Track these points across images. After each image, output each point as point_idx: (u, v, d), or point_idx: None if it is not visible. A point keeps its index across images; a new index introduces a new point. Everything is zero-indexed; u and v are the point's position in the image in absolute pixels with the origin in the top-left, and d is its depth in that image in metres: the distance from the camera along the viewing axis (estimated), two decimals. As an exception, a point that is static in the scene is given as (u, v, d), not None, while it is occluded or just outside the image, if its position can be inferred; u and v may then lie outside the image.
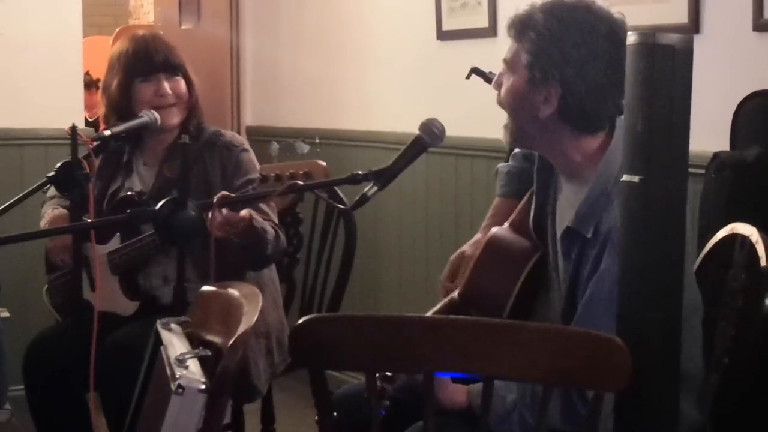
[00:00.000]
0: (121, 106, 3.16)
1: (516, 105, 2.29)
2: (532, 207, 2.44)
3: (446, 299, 2.49)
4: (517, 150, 2.63)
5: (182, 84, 3.19)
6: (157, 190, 3.10)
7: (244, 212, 2.81)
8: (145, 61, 3.16)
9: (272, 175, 2.50)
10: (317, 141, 4.33)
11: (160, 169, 3.19)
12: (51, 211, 3.19)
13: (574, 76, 2.21)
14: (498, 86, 2.35)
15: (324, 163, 2.59)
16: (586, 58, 2.21)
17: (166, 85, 3.15)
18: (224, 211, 2.66)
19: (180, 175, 2.55)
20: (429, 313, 2.44)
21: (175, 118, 3.18)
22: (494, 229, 2.50)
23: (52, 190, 3.23)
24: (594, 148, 2.28)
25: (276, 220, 3.10)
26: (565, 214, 2.34)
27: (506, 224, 2.50)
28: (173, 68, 3.18)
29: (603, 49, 2.21)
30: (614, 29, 2.23)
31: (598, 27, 2.22)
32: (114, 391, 2.79)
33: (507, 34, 2.32)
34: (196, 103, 3.23)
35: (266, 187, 2.54)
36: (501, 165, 2.68)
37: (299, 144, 4.15)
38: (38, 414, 3.13)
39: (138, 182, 3.22)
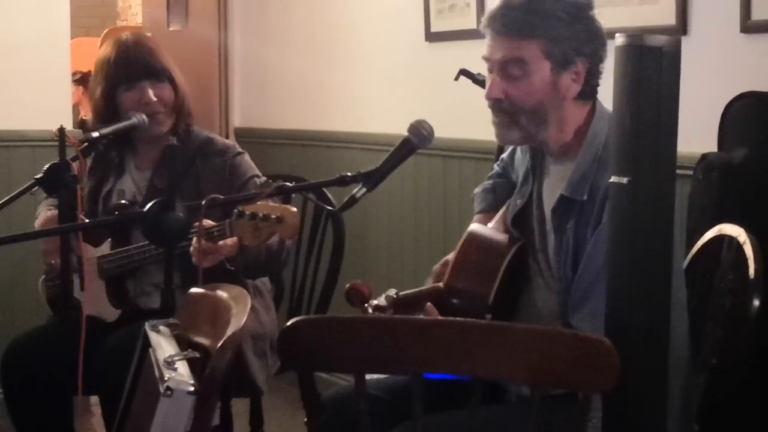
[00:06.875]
0: (106, 114, 3.10)
1: (543, 97, 2.33)
2: (513, 202, 2.48)
3: (432, 285, 2.51)
4: (495, 167, 2.69)
5: (167, 90, 3.11)
6: (149, 199, 3.07)
7: (229, 241, 2.75)
8: (126, 68, 3.08)
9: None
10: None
11: (152, 178, 3.15)
12: (45, 212, 3.17)
13: (593, 47, 2.34)
14: (501, 93, 2.34)
15: (295, 209, 2.57)
16: (588, 26, 2.34)
17: (151, 93, 3.08)
18: (203, 243, 2.63)
19: (169, 178, 2.54)
20: (411, 291, 2.44)
21: (164, 125, 3.12)
22: (472, 226, 2.55)
23: (46, 191, 3.22)
24: (583, 117, 2.37)
25: None
26: (553, 193, 2.37)
27: (489, 224, 2.56)
28: (157, 74, 3.10)
29: (590, 18, 2.35)
30: (588, 3, 2.38)
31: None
32: (103, 394, 2.78)
33: (498, 33, 2.33)
34: (184, 106, 3.16)
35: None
36: (476, 189, 2.72)
37: None
38: (18, 418, 3.11)
39: (130, 184, 3.19)
